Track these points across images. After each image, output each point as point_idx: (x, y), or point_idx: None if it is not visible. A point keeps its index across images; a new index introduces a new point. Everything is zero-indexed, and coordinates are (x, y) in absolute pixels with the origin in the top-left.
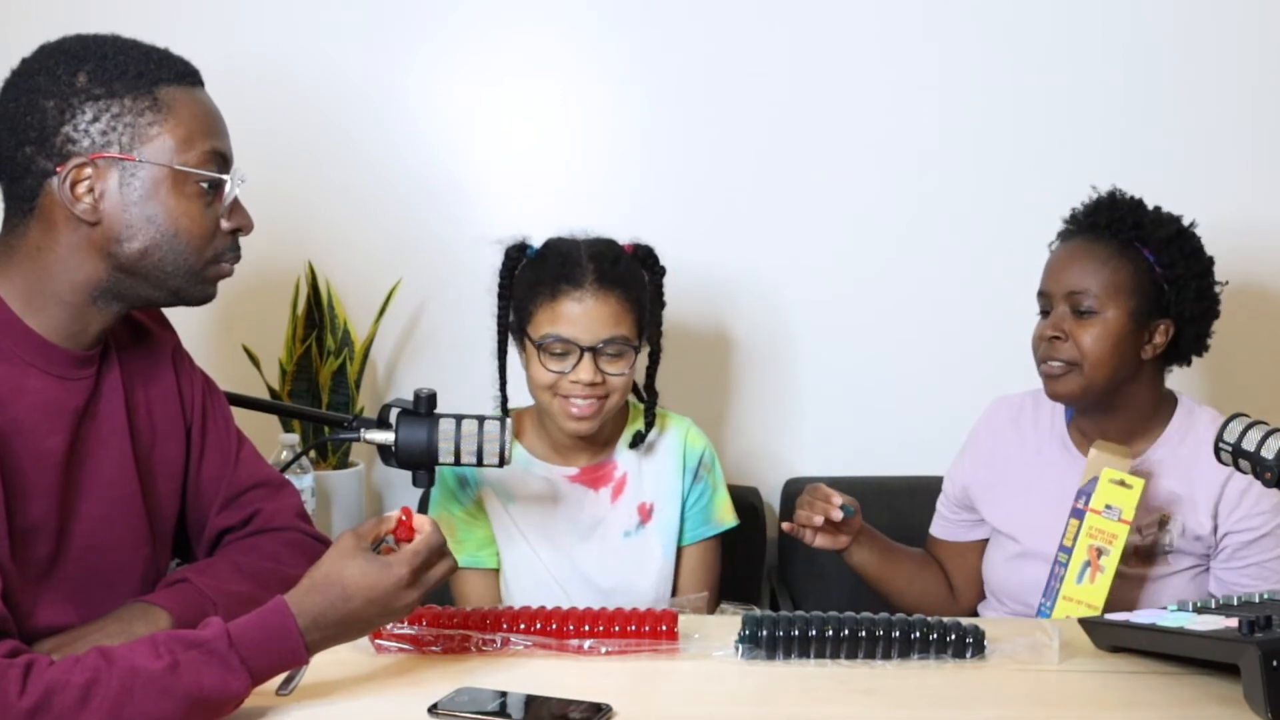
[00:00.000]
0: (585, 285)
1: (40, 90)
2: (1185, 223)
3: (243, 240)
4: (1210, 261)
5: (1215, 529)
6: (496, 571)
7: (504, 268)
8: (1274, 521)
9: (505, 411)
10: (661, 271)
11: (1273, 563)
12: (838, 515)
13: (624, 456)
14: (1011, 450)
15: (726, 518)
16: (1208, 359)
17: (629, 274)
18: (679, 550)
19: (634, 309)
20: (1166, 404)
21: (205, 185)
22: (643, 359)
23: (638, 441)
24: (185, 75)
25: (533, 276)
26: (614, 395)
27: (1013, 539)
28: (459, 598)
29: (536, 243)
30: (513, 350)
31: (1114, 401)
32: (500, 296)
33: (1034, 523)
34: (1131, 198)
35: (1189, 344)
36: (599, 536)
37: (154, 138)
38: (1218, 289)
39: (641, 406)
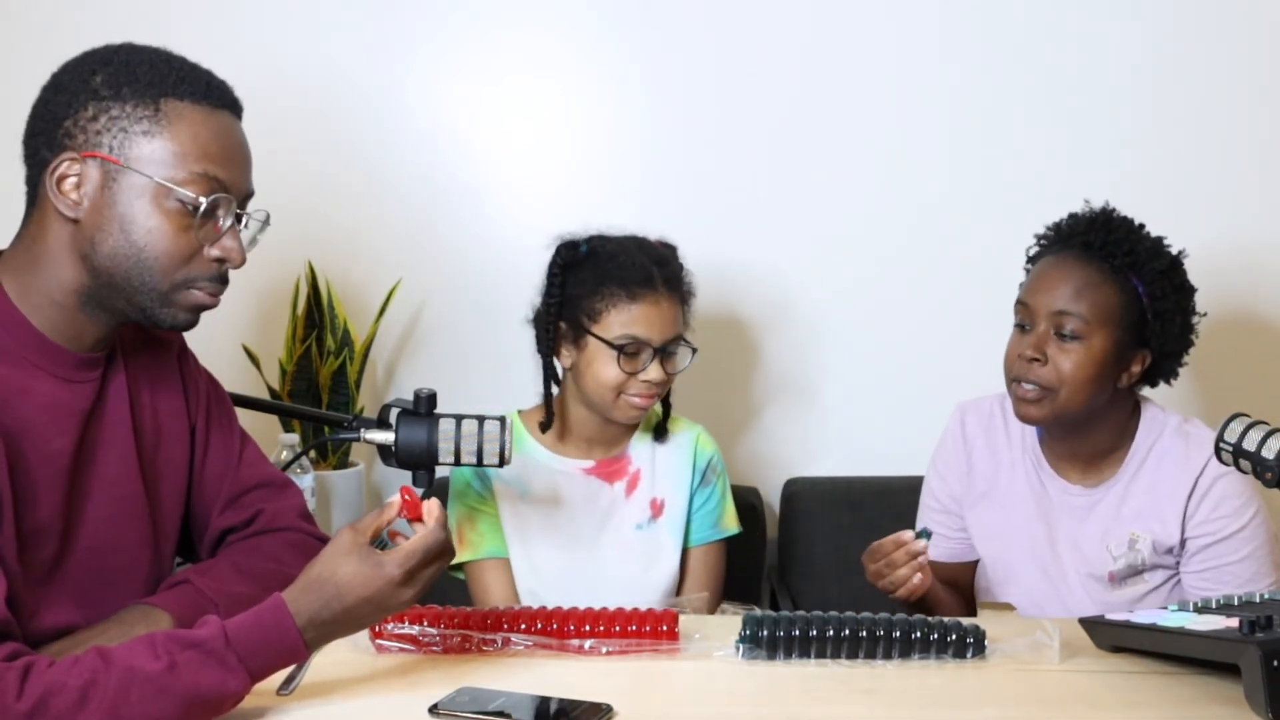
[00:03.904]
0: (659, 288)
1: (61, 86)
2: (1174, 251)
3: None
4: (1194, 292)
5: (1183, 538)
6: None
7: (554, 264)
8: (1233, 527)
9: (550, 404)
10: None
11: (1232, 567)
12: (926, 554)
13: (638, 451)
14: (986, 466)
15: (731, 524)
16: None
17: (683, 274)
18: (685, 551)
19: (685, 307)
20: (1133, 417)
21: (189, 206)
22: None
23: (660, 433)
24: (206, 95)
25: (597, 276)
26: (664, 389)
27: (994, 564)
28: (482, 591)
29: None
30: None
31: (1083, 426)
32: (548, 294)
33: (1012, 551)
34: (1127, 220)
35: (1163, 373)
36: (612, 529)
37: (145, 146)
38: (1195, 319)
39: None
